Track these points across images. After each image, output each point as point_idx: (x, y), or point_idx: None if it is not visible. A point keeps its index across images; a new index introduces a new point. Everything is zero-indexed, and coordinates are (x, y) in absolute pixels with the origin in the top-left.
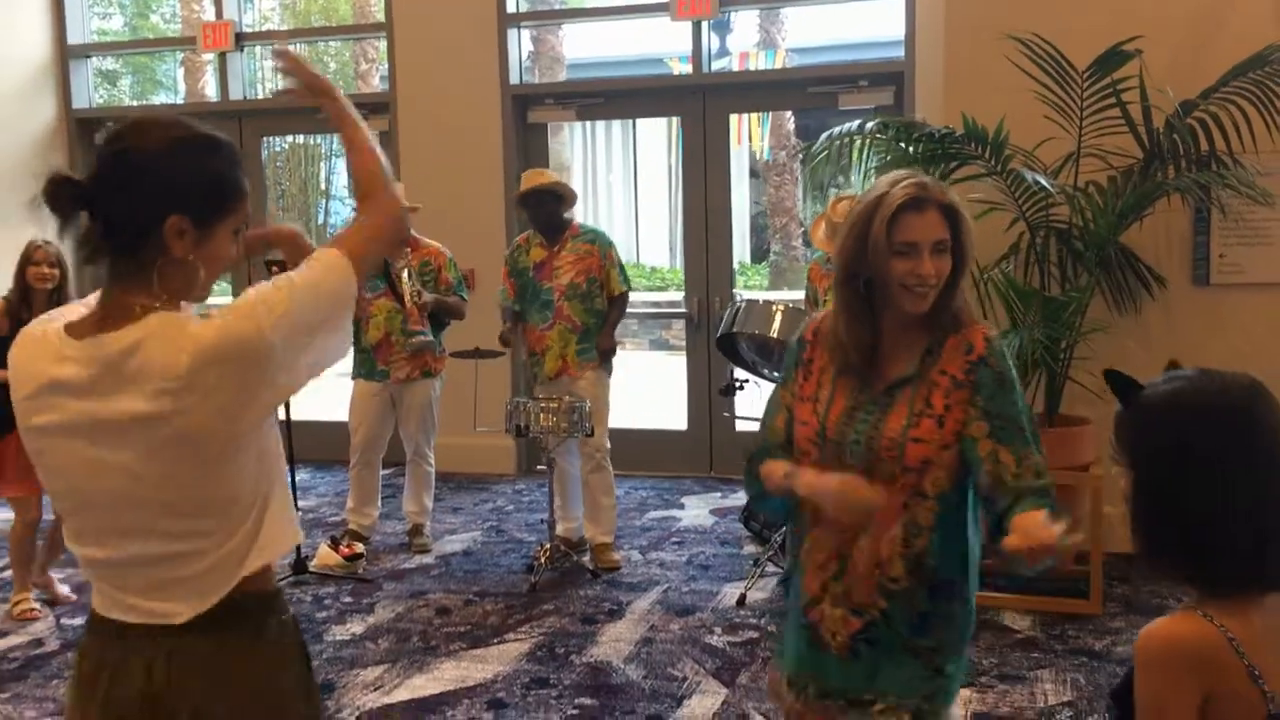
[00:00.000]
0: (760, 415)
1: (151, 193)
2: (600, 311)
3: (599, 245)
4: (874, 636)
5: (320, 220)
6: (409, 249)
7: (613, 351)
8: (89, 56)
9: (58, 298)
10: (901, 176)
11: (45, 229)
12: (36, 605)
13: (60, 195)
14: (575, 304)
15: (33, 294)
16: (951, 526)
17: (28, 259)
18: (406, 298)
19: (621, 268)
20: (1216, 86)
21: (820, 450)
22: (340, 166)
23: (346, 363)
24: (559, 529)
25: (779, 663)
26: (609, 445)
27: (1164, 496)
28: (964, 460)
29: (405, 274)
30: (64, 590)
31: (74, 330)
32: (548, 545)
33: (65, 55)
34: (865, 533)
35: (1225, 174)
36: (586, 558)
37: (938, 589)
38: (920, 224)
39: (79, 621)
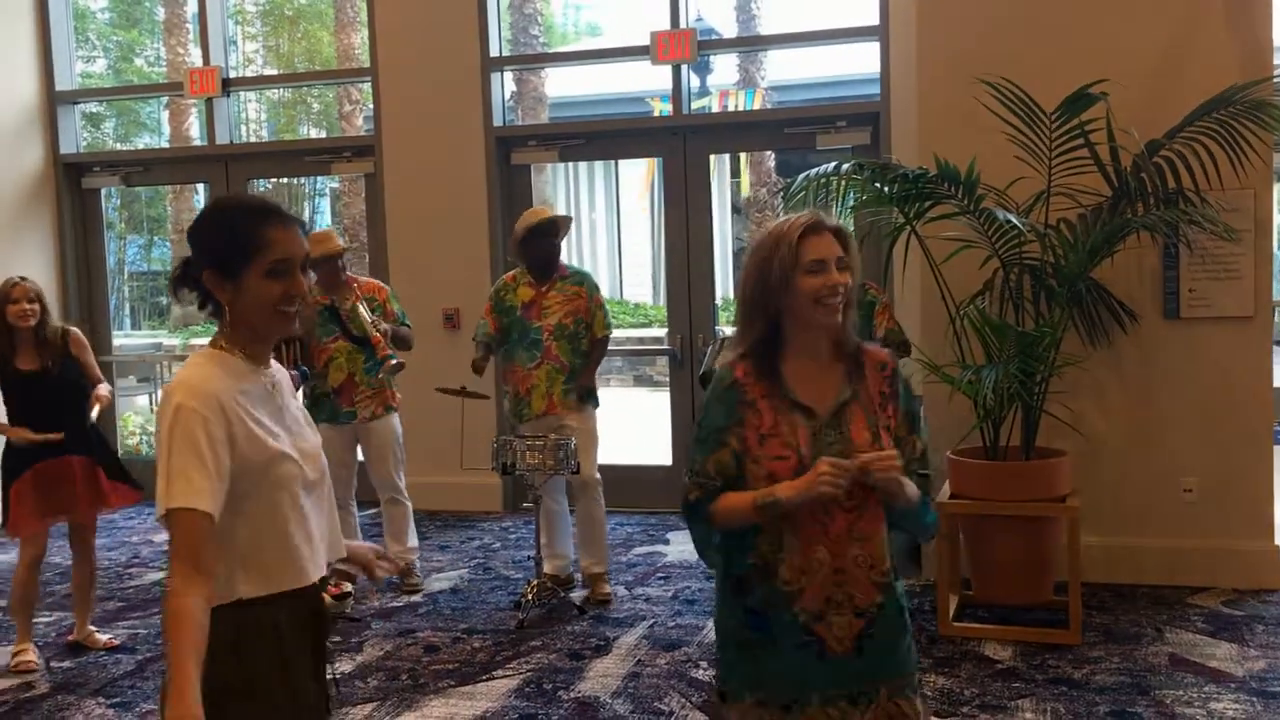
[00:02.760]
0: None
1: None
2: (586, 353)
3: (586, 287)
4: (875, 630)
5: None
6: (350, 289)
7: (593, 390)
8: (77, 102)
9: (41, 334)
10: (796, 216)
11: (23, 267)
12: (34, 657)
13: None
14: (563, 344)
15: (16, 333)
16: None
17: (6, 298)
18: (370, 328)
19: (606, 311)
20: (1181, 126)
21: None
22: (324, 206)
23: None
24: (548, 567)
25: (748, 696)
26: (599, 478)
27: None
28: None
29: (360, 308)
30: (104, 637)
31: None
32: (535, 582)
33: (53, 101)
34: (855, 540)
35: (1191, 211)
36: (575, 594)
37: (896, 565)
38: (822, 243)
39: (69, 664)
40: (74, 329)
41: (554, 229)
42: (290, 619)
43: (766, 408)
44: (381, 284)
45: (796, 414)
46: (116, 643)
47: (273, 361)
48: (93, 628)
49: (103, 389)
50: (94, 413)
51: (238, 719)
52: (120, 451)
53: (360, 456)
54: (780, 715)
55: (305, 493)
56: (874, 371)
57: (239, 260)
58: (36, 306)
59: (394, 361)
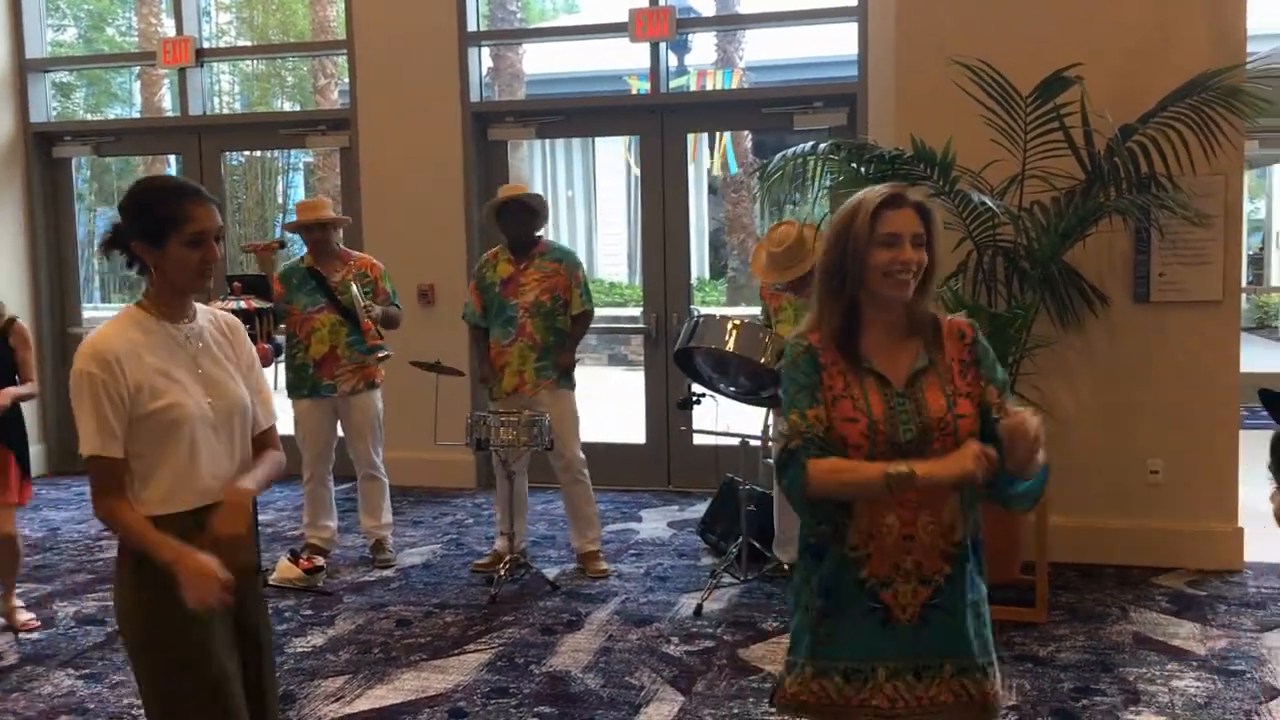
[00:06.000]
0: (713, 428)
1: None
2: (562, 330)
3: (566, 264)
4: (942, 601)
5: (277, 233)
6: (343, 262)
7: (572, 368)
8: (48, 71)
9: None
10: (878, 187)
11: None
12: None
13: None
14: (538, 321)
15: None
16: (972, 486)
17: None
18: (361, 312)
19: (586, 287)
20: (1155, 111)
21: (872, 443)
22: (297, 180)
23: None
24: (499, 543)
25: (807, 667)
26: (583, 456)
27: None
28: (981, 423)
29: (353, 287)
30: (25, 616)
31: None
32: (508, 557)
33: (24, 69)
34: (925, 506)
35: (1163, 196)
36: (549, 571)
37: (978, 545)
38: (899, 218)
39: (37, 636)
40: (20, 321)
41: (520, 207)
42: (197, 532)
43: (837, 372)
44: (375, 261)
45: (870, 379)
46: (37, 624)
47: (202, 316)
48: (19, 602)
49: (18, 389)
50: None
51: (151, 615)
52: None
53: (340, 432)
54: (841, 685)
55: (208, 431)
56: (953, 340)
57: (164, 231)
58: None
59: (384, 355)
